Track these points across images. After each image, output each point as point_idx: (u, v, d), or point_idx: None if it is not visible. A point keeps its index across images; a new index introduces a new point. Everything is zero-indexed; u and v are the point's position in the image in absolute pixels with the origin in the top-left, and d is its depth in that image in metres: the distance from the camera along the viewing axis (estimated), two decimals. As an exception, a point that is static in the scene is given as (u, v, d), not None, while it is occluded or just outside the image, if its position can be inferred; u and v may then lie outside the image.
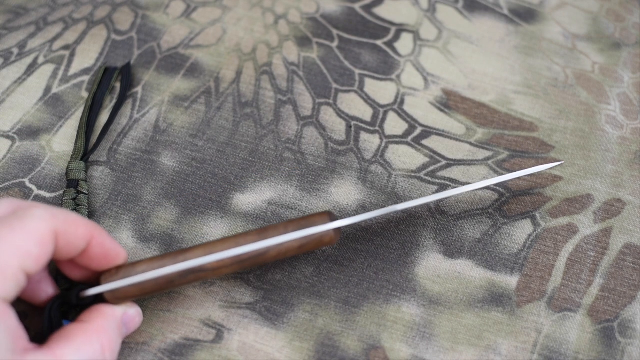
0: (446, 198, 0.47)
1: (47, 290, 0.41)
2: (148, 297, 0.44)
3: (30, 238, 0.36)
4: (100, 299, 0.41)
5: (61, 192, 0.48)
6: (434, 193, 0.48)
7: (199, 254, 0.41)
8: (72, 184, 0.47)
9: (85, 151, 0.49)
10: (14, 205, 0.39)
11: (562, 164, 0.47)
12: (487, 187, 0.48)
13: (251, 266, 0.42)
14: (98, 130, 0.50)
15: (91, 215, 0.47)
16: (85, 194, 0.47)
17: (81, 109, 0.51)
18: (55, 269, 0.43)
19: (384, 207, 0.48)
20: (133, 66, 0.53)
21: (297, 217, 0.42)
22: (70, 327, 0.39)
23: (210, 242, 0.42)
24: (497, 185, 0.49)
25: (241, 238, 0.41)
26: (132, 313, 0.41)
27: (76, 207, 0.46)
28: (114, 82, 0.51)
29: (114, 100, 0.51)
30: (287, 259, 0.46)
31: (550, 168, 0.46)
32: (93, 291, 0.41)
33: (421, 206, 0.48)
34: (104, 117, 0.51)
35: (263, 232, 0.41)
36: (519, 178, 0.49)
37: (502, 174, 0.49)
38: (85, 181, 0.48)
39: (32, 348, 0.36)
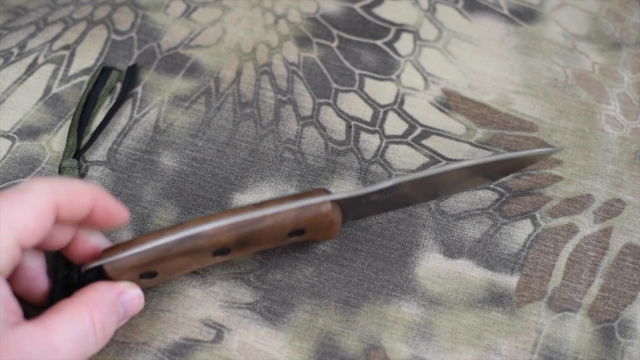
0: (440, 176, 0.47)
1: (42, 287, 0.41)
2: (150, 273, 0.44)
3: (28, 211, 0.36)
4: (103, 278, 0.41)
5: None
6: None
7: (196, 224, 0.42)
8: None
9: (77, 149, 0.49)
10: (55, 200, 0.38)
11: (556, 150, 0.46)
12: (487, 187, 0.48)
13: (248, 237, 0.42)
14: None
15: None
16: None
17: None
18: (53, 263, 0.43)
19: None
20: (133, 66, 0.53)
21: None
22: (63, 301, 0.39)
23: (207, 215, 0.42)
24: (497, 185, 0.49)
25: (238, 209, 0.42)
26: (131, 294, 0.41)
27: None
28: (114, 82, 0.51)
29: (114, 99, 0.51)
30: (287, 257, 0.46)
31: (546, 153, 0.46)
32: (94, 264, 0.41)
33: (421, 206, 0.48)
34: (103, 117, 0.51)
35: (260, 204, 0.42)
36: (518, 178, 0.49)
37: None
38: (80, 179, 0.48)
39: (24, 322, 0.37)
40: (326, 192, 0.43)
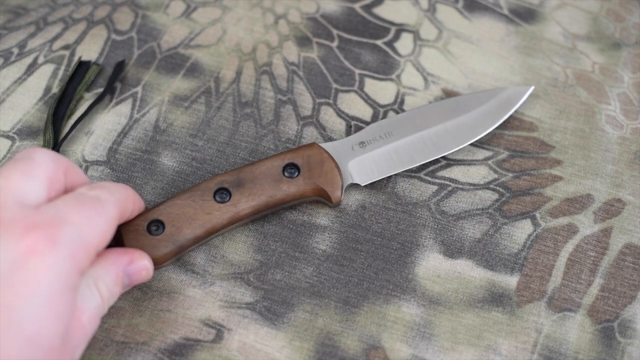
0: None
1: None
2: (157, 225, 0.43)
3: (108, 223, 0.39)
4: (117, 238, 0.42)
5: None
6: (434, 193, 0.48)
7: None
8: None
9: (55, 142, 0.49)
10: (63, 167, 0.39)
11: (533, 88, 0.51)
12: (487, 187, 0.48)
13: (244, 173, 0.45)
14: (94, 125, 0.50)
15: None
16: None
17: (81, 109, 0.51)
18: None
19: (384, 206, 0.48)
20: (133, 66, 0.52)
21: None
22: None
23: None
24: (497, 185, 0.49)
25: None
26: (138, 265, 0.41)
27: None
28: (92, 76, 0.51)
29: (114, 99, 0.51)
30: (287, 257, 0.46)
31: (522, 92, 0.51)
32: None
33: (421, 206, 0.48)
34: (102, 114, 0.51)
35: None
36: (518, 178, 0.49)
37: (502, 174, 0.49)
38: None
39: None
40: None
